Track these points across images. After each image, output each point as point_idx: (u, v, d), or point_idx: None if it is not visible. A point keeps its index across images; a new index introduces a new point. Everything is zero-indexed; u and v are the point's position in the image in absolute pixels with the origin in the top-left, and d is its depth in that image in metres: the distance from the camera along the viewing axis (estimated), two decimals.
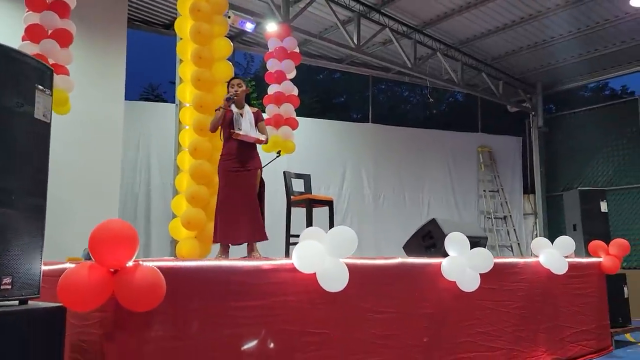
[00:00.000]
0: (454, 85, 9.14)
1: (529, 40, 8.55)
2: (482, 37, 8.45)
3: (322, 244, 2.79)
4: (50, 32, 4.65)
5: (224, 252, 4.15)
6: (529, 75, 10.08)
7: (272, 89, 6.39)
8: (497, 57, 9.26)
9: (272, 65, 6.41)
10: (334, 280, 2.78)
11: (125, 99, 6.50)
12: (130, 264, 2.14)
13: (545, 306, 4.62)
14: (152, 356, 2.23)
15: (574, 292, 5.05)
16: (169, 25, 7.79)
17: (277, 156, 5.71)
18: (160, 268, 2.22)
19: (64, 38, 4.70)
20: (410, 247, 4.42)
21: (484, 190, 10.45)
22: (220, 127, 4.21)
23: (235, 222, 4.04)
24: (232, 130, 4.11)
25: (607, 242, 5.75)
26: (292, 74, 6.50)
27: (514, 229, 10.37)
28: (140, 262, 2.18)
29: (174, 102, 6.48)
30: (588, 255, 5.81)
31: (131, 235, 2.10)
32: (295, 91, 6.37)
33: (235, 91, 4.22)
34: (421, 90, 13.89)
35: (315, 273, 2.77)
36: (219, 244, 4.20)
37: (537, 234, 10.23)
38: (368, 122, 9.95)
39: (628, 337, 6.21)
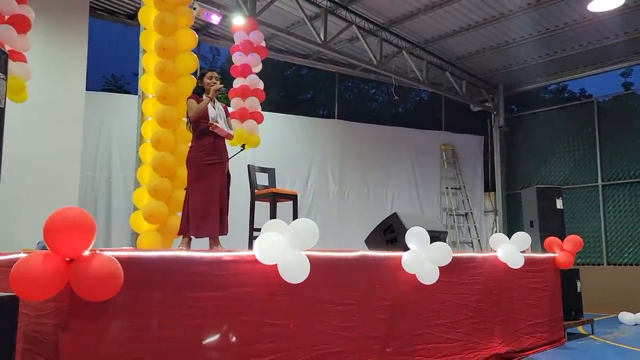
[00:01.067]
0: (419, 84, 9.29)
1: (491, 42, 8.76)
2: (447, 37, 8.62)
3: (284, 235, 2.81)
4: (7, 17, 4.49)
5: (187, 245, 4.12)
6: (491, 76, 10.35)
7: (237, 83, 6.36)
8: (461, 57, 9.46)
9: (238, 58, 6.37)
10: (295, 271, 2.80)
11: (87, 90, 6.33)
12: (86, 252, 2.10)
13: (501, 299, 4.77)
14: (108, 346, 2.20)
15: (529, 286, 5.23)
16: (133, 15, 7.62)
17: (242, 149, 5.70)
18: (118, 258, 2.19)
19: (21, 24, 4.55)
20: (372, 241, 4.49)
21: (447, 188, 10.68)
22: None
23: (209, 215, 4.04)
24: (209, 122, 4.11)
25: (562, 239, 5.99)
26: (258, 68, 6.48)
27: (475, 226, 10.64)
28: (98, 251, 2.15)
29: (136, 94, 6.35)
30: (544, 250, 6.03)
31: (88, 223, 2.07)
32: (260, 85, 6.36)
33: (221, 84, 4.28)
34: (387, 88, 14.01)
35: (276, 265, 2.79)
36: (181, 236, 4.17)
37: (497, 230, 10.52)
38: (334, 118, 10.01)
39: (580, 329, 6.48)
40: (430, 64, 9.31)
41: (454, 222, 10.53)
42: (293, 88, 14.63)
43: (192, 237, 4.15)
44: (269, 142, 8.16)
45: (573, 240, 5.90)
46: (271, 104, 9.75)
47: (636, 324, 7.14)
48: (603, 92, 10.42)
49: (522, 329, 5.00)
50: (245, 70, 6.36)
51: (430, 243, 3.90)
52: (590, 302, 7.11)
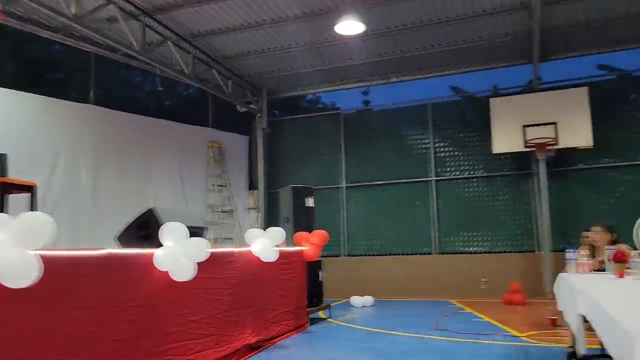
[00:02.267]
0: (185, 77, 9.10)
1: (256, 46, 9.16)
2: (214, 35, 8.66)
3: (6, 232, 2.39)
4: None
5: None
6: (256, 79, 10.82)
7: None
8: (227, 57, 9.63)
9: None
10: (19, 274, 2.41)
11: None
12: None
13: (254, 292, 5.01)
14: None
15: (280, 278, 5.63)
16: None
17: None
18: None
19: None
20: (125, 238, 4.20)
21: (213, 185, 10.74)
22: None
23: None
24: None
25: (311, 233, 6.62)
26: None
27: (239, 222, 10.97)
28: None
29: None
30: (295, 244, 6.56)
31: None
32: None
33: None
34: (154, 78, 13.39)
35: None
36: None
37: (258, 227, 11.04)
38: (89, 103, 9.08)
39: (321, 314, 7.26)
40: (197, 59, 9.22)
41: (219, 218, 10.66)
42: (40, 64, 12.72)
43: None
44: (2, 123, 6.94)
45: (319, 235, 6.59)
46: (7, 78, 8.30)
47: (363, 306, 8.39)
48: (349, 105, 11.93)
49: (271, 318, 5.34)
50: None
51: (189, 239, 3.84)
52: (330, 290, 8.06)
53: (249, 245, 5.13)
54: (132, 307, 3.30)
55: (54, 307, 2.68)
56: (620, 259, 3.67)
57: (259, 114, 11.42)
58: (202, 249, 3.89)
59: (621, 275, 3.55)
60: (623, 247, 4.30)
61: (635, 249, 3.69)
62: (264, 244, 5.15)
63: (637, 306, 2.27)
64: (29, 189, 4.85)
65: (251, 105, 11.27)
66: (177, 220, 3.87)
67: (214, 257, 4.19)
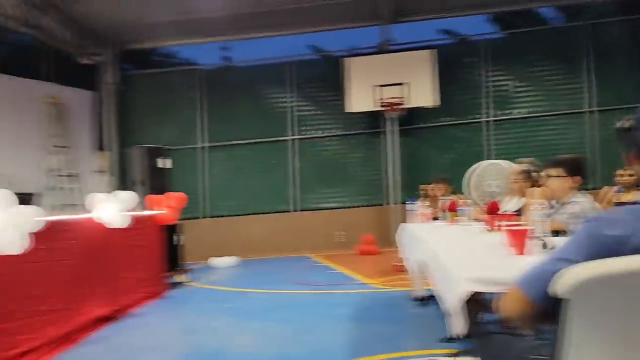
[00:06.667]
0: (15, 24, 7.90)
1: None
2: None
3: None
4: None
5: None
6: (101, 27, 9.78)
7: None
8: (68, 1, 8.54)
9: None
10: None
11: None
12: None
13: (102, 261, 4.68)
14: None
15: (132, 244, 5.32)
16: None
17: None
18: None
19: None
20: None
21: (53, 146, 9.66)
22: None
23: None
24: None
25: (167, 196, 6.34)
26: None
27: (85, 187, 10.07)
28: None
29: None
30: (147, 208, 6.23)
31: None
32: None
33: None
34: None
35: None
36: None
37: (109, 191, 10.27)
38: None
39: (181, 278, 7.09)
40: (29, 3, 8.03)
41: (61, 183, 9.68)
42: None
43: None
44: None
45: (176, 197, 6.34)
46: None
47: (227, 267, 8.40)
48: (208, 61, 11.45)
49: (124, 287, 5.07)
50: None
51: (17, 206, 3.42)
52: (192, 253, 7.89)
53: (91, 212, 4.74)
54: None
55: None
56: (453, 209, 4.13)
57: (105, 68, 10.42)
58: (31, 217, 3.49)
59: (453, 223, 4.00)
60: (456, 197, 4.84)
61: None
62: (110, 209, 4.80)
63: (456, 249, 2.57)
64: None
65: (96, 57, 10.22)
66: (2, 187, 3.41)
67: (51, 226, 3.80)
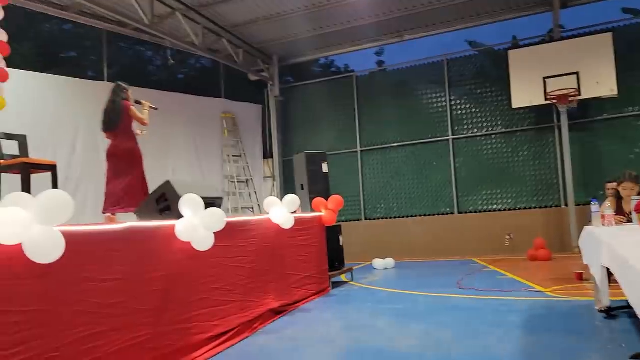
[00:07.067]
0: (196, 49, 9.04)
1: (264, 12, 9.01)
2: (221, 2, 8.53)
3: (29, 210, 2.44)
4: None
5: None
6: (266, 46, 10.68)
7: None
8: (236, 25, 9.50)
9: None
10: (45, 250, 2.46)
11: None
12: None
13: (275, 258, 5.07)
14: None
15: (299, 244, 5.68)
16: None
17: None
18: None
19: None
20: (144, 211, 4.25)
21: (228, 155, 10.80)
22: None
23: None
24: None
25: (327, 199, 6.63)
26: None
27: (255, 192, 11.05)
28: None
29: None
30: (312, 210, 6.59)
31: None
32: (3, 36, 5.34)
33: None
34: (165, 52, 13.34)
35: (20, 244, 2.41)
36: None
37: (275, 194, 11.12)
38: (104, 80, 9.10)
39: (343, 278, 7.34)
40: (207, 29, 9.13)
41: (236, 188, 10.76)
42: (53, 44, 12.76)
43: None
44: (21, 105, 7.02)
45: (336, 200, 6.59)
46: (22, 61, 8.34)
47: (385, 268, 8.45)
48: (363, 67, 11.72)
49: (293, 283, 5.42)
50: None
51: (205, 210, 3.88)
52: (351, 254, 8.12)
53: (267, 213, 5.17)
54: (156, 278, 3.37)
55: (81, 280, 2.75)
56: None
57: (270, 82, 11.32)
58: (219, 218, 3.92)
59: None
60: None
61: None
62: (281, 211, 5.19)
63: None
64: (50, 168, 4.93)
65: (263, 74, 11.18)
66: (193, 192, 3.90)
67: (231, 226, 4.23)
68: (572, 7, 9.24)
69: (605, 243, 3.18)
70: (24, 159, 4.73)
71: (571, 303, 4.64)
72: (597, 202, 4.12)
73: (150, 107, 5.61)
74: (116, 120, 5.28)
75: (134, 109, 5.39)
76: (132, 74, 12.24)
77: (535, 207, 9.41)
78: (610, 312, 3.90)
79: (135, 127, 5.52)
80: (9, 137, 4.96)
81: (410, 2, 8.99)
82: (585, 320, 3.93)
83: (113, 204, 5.11)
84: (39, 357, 2.45)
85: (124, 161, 5.22)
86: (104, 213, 5.18)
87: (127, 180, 5.15)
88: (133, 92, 9.40)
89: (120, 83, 5.52)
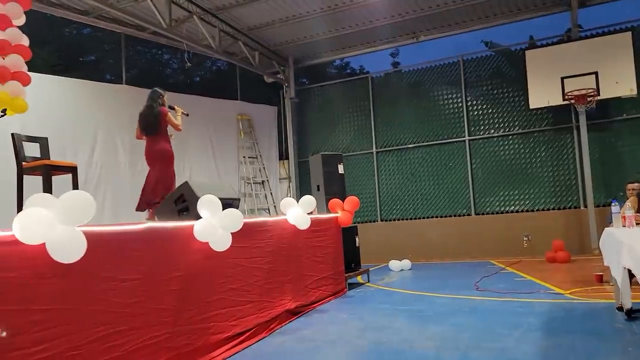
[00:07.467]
0: (212, 52, 9.13)
1: (280, 14, 9.05)
2: (238, 6, 8.59)
3: (51, 210, 2.49)
4: None
5: None
6: (282, 48, 10.73)
7: None
8: (252, 27, 9.56)
9: None
10: (67, 250, 2.52)
11: None
12: None
13: (291, 259, 5.09)
14: None
15: (315, 244, 5.69)
16: None
17: (2, 115, 4.86)
18: None
19: None
20: (163, 212, 4.31)
21: (244, 157, 10.86)
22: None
23: None
24: None
25: (343, 200, 6.63)
26: (21, 21, 5.53)
27: (271, 193, 11.10)
28: None
29: None
30: (329, 211, 6.60)
31: None
32: (24, 40, 5.45)
33: None
34: (182, 55, 13.50)
35: (44, 243, 2.46)
36: None
37: (290, 195, 11.15)
38: (122, 83, 9.22)
39: (359, 279, 7.33)
40: (223, 32, 9.21)
41: (252, 190, 10.82)
42: (73, 48, 13.01)
43: None
44: (42, 108, 7.15)
45: (352, 201, 6.59)
46: (43, 65, 8.52)
47: (402, 270, 8.41)
48: (378, 68, 11.72)
49: (310, 284, 5.43)
50: (4, 22, 5.36)
51: (223, 210, 3.92)
52: (367, 254, 8.11)
53: (285, 214, 5.19)
54: (175, 278, 3.41)
55: (101, 279, 2.80)
56: None
57: (286, 84, 11.36)
58: (237, 219, 3.95)
59: None
60: None
61: None
62: (297, 212, 5.20)
63: None
64: (70, 169, 5.02)
65: (278, 76, 11.23)
66: (209, 193, 3.94)
67: (249, 227, 4.26)
68: (591, 6, 9.11)
69: (627, 244, 3.13)
70: (46, 161, 4.82)
71: (591, 305, 4.58)
72: (617, 203, 4.06)
73: (183, 113, 5.88)
74: (154, 126, 5.56)
75: (170, 115, 5.64)
76: (150, 77, 12.40)
77: (553, 209, 9.30)
78: (631, 314, 3.84)
79: (168, 130, 5.78)
80: (31, 139, 5.05)
81: (425, 3, 8.95)
82: (606, 322, 3.88)
83: (146, 202, 5.34)
84: (60, 355, 2.50)
85: (158, 162, 5.55)
86: (137, 210, 5.42)
87: (157, 178, 5.51)
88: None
89: (157, 89, 5.77)
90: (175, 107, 5.87)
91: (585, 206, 8.76)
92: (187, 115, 5.98)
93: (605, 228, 4.18)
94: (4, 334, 2.27)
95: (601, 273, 5.64)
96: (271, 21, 9.30)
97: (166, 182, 5.47)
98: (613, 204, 4.08)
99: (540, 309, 4.56)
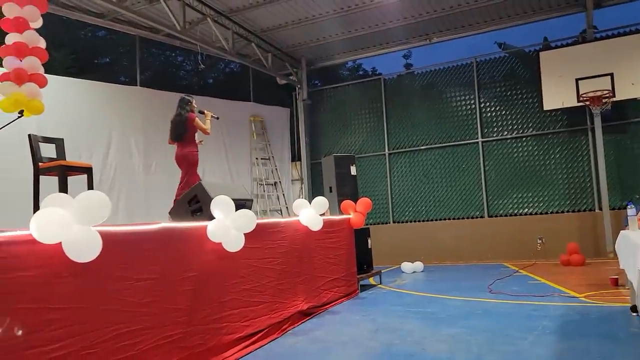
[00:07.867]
0: (226, 54, 9.18)
1: (293, 16, 9.07)
2: (251, 8, 8.64)
3: (68, 210, 2.52)
4: None
5: None
6: (294, 50, 10.75)
7: (10, 39, 5.42)
8: (265, 30, 9.60)
9: (10, 10, 5.42)
10: (84, 249, 2.55)
11: None
12: None
13: (304, 260, 5.10)
14: None
15: (328, 246, 5.69)
16: None
17: (19, 117, 4.94)
18: None
19: None
20: (177, 212, 4.34)
21: (257, 158, 10.90)
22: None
23: None
24: None
25: (356, 201, 6.63)
26: (38, 23, 5.61)
27: (283, 194, 11.12)
28: None
29: None
30: (341, 213, 6.60)
31: None
32: (41, 43, 5.53)
33: None
34: (195, 57, 13.60)
35: (60, 243, 2.50)
36: None
37: (303, 197, 11.17)
38: (137, 85, 9.32)
39: (371, 280, 7.32)
40: (237, 34, 9.26)
41: (264, 191, 10.85)
42: (88, 50, 13.18)
43: None
44: (57, 109, 7.25)
45: (364, 202, 6.58)
46: (59, 67, 8.64)
47: (414, 272, 8.37)
48: (391, 70, 11.70)
49: (322, 285, 5.44)
50: (21, 25, 5.45)
51: (236, 211, 3.94)
52: (379, 256, 8.09)
53: (297, 216, 5.21)
54: (188, 278, 3.44)
55: (115, 279, 2.83)
56: None
57: (298, 85, 11.39)
58: (250, 220, 3.97)
59: None
60: None
61: None
62: (309, 213, 5.21)
63: None
64: (85, 170, 5.08)
65: (291, 77, 11.26)
66: (224, 194, 3.96)
67: (261, 227, 4.28)
68: (606, 7, 9.00)
69: None
70: (62, 162, 4.88)
71: (606, 309, 4.52)
72: (633, 206, 4.00)
73: (212, 116, 6.12)
74: (182, 132, 5.82)
75: (198, 120, 5.86)
76: (164, 79, 12.51)
77: (568, 211, 9.19)
78: None
79: (197, 136, 6.03)
80: (47, 140, 5.13)
81: (438, 5, 8.92)
82: (622, 326, 3.83)
83: None
84: (76, 353, 2.53)
85: (183, 164, 5.82)
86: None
87: (184, 180, 5.77)
88: (165, 96, 9.64)
89: (184, 96, 6.04)
90: (205, 111, 6.12)
91: (600, 209, 8.64)
92: (217, 118, 6.24)
93: (621, 231, 4.13)
94: (20, 332, 2.30)
95: (616, 276, 5.57)
96: (284, 23, 9.33)
97: (191, 183, 5.58)
98: (629, 206, 4.02)
99: (555, 312, 4.52)
